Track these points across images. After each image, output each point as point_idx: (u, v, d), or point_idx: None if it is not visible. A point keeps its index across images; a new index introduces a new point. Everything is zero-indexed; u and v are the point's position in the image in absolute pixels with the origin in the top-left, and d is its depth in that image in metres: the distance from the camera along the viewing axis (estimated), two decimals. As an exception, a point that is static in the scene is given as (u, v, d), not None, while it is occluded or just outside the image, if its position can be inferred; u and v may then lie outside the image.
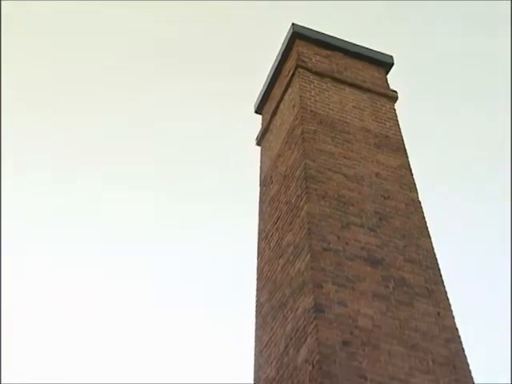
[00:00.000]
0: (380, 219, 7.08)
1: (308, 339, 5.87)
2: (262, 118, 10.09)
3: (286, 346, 6.40)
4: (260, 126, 10.11)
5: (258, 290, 7.80)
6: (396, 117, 8.71)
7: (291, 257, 6.99)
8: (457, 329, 6.48)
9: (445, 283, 6.96)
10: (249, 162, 10.12)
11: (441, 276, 6.92)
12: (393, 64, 9.41)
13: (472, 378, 6.05)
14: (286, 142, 8.30)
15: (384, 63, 9.43)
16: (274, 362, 6.61)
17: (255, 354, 7.29)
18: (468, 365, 6.11)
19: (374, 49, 9.50)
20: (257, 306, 7.66)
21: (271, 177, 8.57)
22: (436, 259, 7.10)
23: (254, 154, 10.01)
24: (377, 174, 7.60)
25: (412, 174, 7.92)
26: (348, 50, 9.34)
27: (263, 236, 8.18)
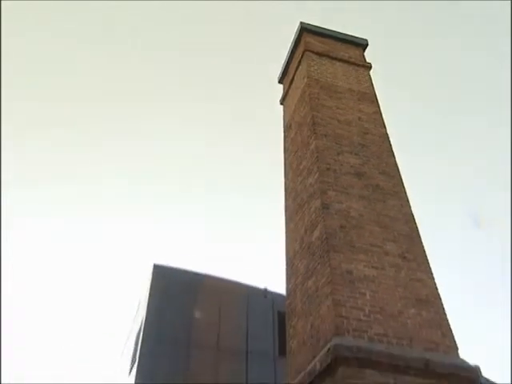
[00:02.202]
0: (362, 147, 7.60)
1: (319, 225, 6.53)
2: (283, 86, 10.50)
3: (305, 231, 6.97)
4: (282, 92, 10.50)
5: (286, 197, 8.32)
6: (371, 80, 9.13)
7: (306, 175, 7.50)
8: (412, 214, 7.01)
9: (405, 187, 7.31)
10: (276, 117, 10.45)
11: (402, 182, 7.38)
12: (367, 45, 9.82)
13: (423, 245, 6.56)
14: (299, 101, 8.78)
15: (362, 44, 9.79)
16: (298, 240, 7.18)
17: (286, 237, 7.81)
18: (420, 236, 6.66)
19: (356, 35, 9.88)
20: (285, 207, 8.21)
21: (291, 125, 9.05)
22: (399, 171, 7.54)
23: (279, 112, 10.31)
24: (359, 118, 8.11)
25: (382, 117, 8.38)
26: (338, 37, 9.67)
27: (287, 163, 8.69)
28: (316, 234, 6.45)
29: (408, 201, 7.15)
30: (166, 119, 45.26)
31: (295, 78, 9.55)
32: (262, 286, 13.58)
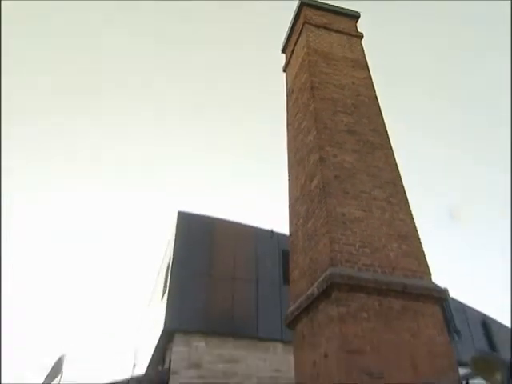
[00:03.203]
0: (354, 108, 7.53)
1: (317, 175, 6.58)
2: (286, 55, 10.22)
3: (305, 180, 7.03)
4: (284, 61, 10.24)
5: (288, 152, 8.32)
6: (362, 48, 8.89)
7: (306, 133, 7.47)
8: (396, 165, 6.97)
9: (391, 143, 7.26)
10: (279, 84, 10.26)
11: (388, 137, 7.35)
12: (359, 17, 9.50)
13: (405, 191, 6.57)
14: (300, 68, 8.64)
15: (355, 16, 9.49)
16: (299, 189, 7.23)
17: (288, 186, 7.87)
18: (402, 183, 6.69)
19: (350, 8, 9.58)
20: (288, 161, 8.22)
21: (293, 89, 8.93)
22: (386, 129, 7.45)
23: (281, 78, 10.15)
24: (352, 83, 7.98)
25: (372, 82, 8.23)
26: (333, 10, 9.37)
27: (290, 123, 8.65)
28: (314, 182, 6.51)
29: (393, 153, 7.14)
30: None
31: (296, 47, 9.34)
32: (268, 228, 13.82)
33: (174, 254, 12.37)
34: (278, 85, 10.64)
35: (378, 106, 7.81)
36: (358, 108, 7.56)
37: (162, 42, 41.84)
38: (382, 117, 7.63)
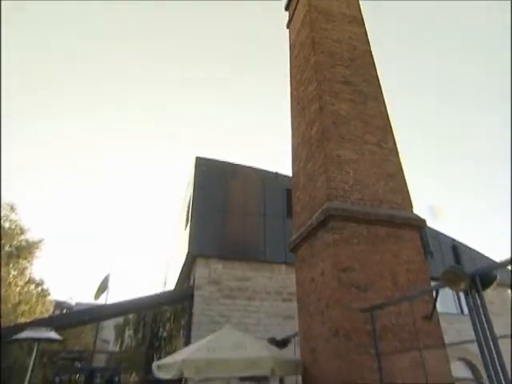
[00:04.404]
0: (351, 61, 7.22)
1: (316, 122, 6.41)
2: (289, 13, 9.61)
3: (306, 127, 6.88)
4: (288, 18, 9.64)
5: (291, 102, 8.03)
6: (359, 5, 8.33)
7: (307, 84, 7.21)
8: (387, 113, 6.78)
9: (384, 93, 7.00)
10: (283, 39, 9.76)
11: (380, 88, 7.09)
12: None
13: (394, 136, 6.45)
14: (302, 25, 8.20)
15: None
16: (300, 135, 7.07)
17: (291, 132, 7.68)
18: (392, 129, 6.53)
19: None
20: (291, 110, 7.95)
21: (295, 44, 8.53)
22: (378, 80, 7.19)
23: (285, 33, 9.62)
24: (349, 37, 7.61)
25: (367, 37, 7.84)
26: None
27: (292, 75, 8.31)
28: (314, 129, 6.41)
29: (384, 103, 6.91)
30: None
31: (298, 5, 8.77)
32: (274, 170, 13.90)
33: (193, 193, 12.60)
34: (282, 41, 10.15)
35: (372, 59, 7.47)
36: (354, 61, 7.25)
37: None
38: (375, 69, 7.32)
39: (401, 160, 6.17)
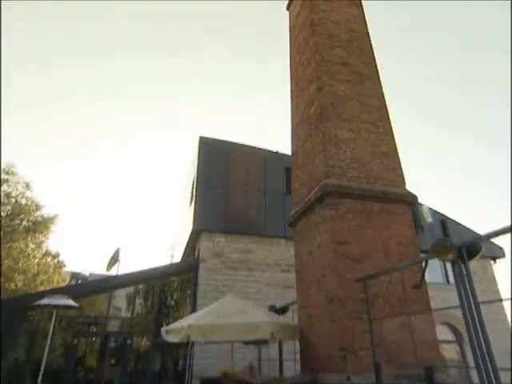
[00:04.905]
0: (348, 42, 7.02)
1: (315, 103, 6.29)
2: None
3: (305, 107, 6.74)
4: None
5: (291, 83, 7.84)
6: None
7: (306, 65, 7.05)
8: (383, 93, 6.62)
9: (379, 73, 6.84)
10: (283, 22, 9.37)
11: (377, 69, 6.90)
12: None
13: (389, 116, 6.37)
14: (301, 6, 7.91)
15: None
16: (299, 115, 6.97)
17: (291, 112, 7.51)
18: (387, 109, 6.45)
19: None
20: (291, 91, 7.77)
21: (294, 26, 8.27)
22: (375, 61, 7.00)
23: (285, 17, 9.26)
24: (347, 19, 7.37)
25: (365, 18, 7.60)
26: None
27: (292, 57, 8.10)
28: (313, 109, 6.32)
29: (380, 83, 6.78)
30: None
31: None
32: (274, 149, 13.82)
33: (197, 171, 12.58)
34: (282, 24, 9.77)
35: (369, 40, 7.28)
36: (352, 42, 7.05)
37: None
38: (372, 51, 7.14)
39: (395, 139, 6.12)
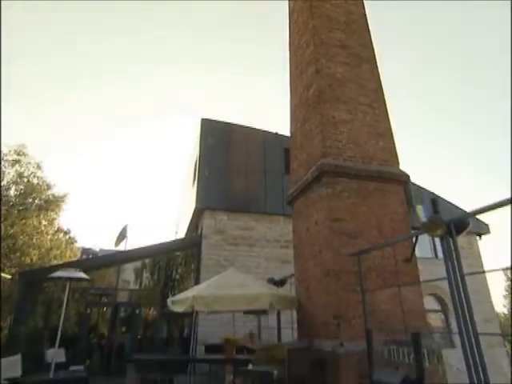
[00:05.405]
0: (347, 25, 6.80)
1: (313, 85, 6.13)
2: None
3: (304, 90, 6.55)
4: None
5: (290, 66, 7.57)
6: None
7: (305, 48, 6.83)
8: (379, 75, 6.48)
9: (376, 56, 6.65)
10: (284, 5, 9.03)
11: (374, 51, 6.73)
12: None
13: (384, 98, 6.22)
14: None
15: None
16: (298, 97, 6.76)
17: (290, 95, 7.33)
18: (383, 91, 6.29)
19: None
20: (290, 73, 7.56)
21: (294, 9, 7.96)
22: (372, 43, 6.80)
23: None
24: (345, 1, 7.08)
25: (363, 1, 7.31)
26: None
27: (291, 40, 7.86)
28: (311, 91, 6.17)
29: (377, 66, 6.58)
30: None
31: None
32: (274, 131, 13.71)
33: (200, 152, 12.51)
34: (283, 7, 9.47)
35: (367, 22, 7.04)
36: (350, 25, 6.82)
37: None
38: (369, 33, 6.91)
39: (390, 120, 6.04)
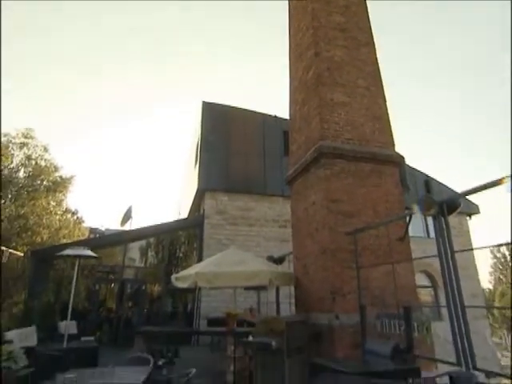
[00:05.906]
0: (346, 8, 6.57)
1: (312, 67, 5.96)
2: None
3: (303, 72, 6.42)
4: None
5: (289, 49, 7.46)
6: None
7: (304, 31, 6.63)
8: (377, 59, 6.30)
9: (374, 40, 6.45)
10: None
11: (372, 35, 6.52)
12: None
13: (382, 81, 6.10)
14: None
15: None
16: (297, 80, 6.62)
17: (289, 77, 7.12)
18: (380, 74, 6.18)
19: None
20: (289, 57, 7.36)
21: None
22: (370, 27, 6.60)
23: None
24: (346, -15, 6.77)
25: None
26: None
27: (291, 24, 7.61)
28: (310, 74, 6.04)
29: (375, 49, 6.41)
30: None
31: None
32: (273, 113, 13.55)
33: (201, 135, 12.40)
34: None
35: (365, 5, 6.81)
36: (349, 8, 6.59)
37: None
38: (368, 17, 6.70)
39: (387, 103, 5.95)
